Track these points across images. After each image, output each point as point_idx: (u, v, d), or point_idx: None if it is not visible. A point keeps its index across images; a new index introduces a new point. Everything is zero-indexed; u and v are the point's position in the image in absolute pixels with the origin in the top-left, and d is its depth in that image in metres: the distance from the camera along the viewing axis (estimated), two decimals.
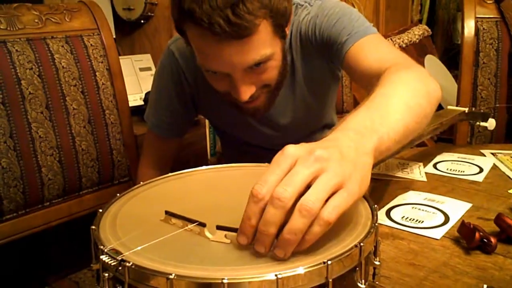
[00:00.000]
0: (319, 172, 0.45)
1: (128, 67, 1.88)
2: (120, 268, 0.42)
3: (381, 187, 0.85)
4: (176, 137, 1.12)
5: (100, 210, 0.54)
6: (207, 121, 1.82)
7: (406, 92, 0.65)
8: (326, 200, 0.44)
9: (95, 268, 0.48)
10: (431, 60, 2.57)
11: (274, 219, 0.43)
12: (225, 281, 0.38)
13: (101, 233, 0.49)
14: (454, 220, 0.71)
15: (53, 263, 1.51)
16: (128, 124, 1.21)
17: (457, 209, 0.75)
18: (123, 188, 0.92)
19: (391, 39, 2.45)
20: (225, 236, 0.47)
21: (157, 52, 2.01)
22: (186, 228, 0.50)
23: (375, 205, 0.52)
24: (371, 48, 0.85)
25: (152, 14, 2.11)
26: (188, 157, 1.72)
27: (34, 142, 1.02)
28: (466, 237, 0.63)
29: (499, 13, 1.30)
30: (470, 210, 0.75)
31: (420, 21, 2.92)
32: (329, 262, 0.41)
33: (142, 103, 1.76)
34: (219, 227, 0.47)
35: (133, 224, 0.52)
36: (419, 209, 0.75)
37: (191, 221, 0.49)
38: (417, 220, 0.71)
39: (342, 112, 1.74)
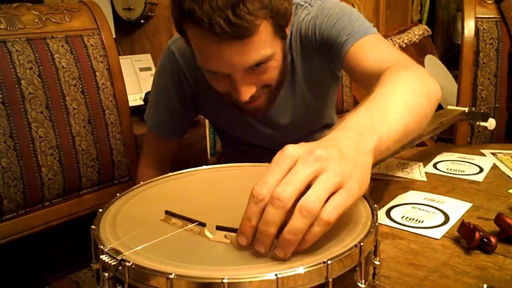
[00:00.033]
0: (319, 171, 0.45)
1: (128, 67, 1.88)
2: (120, 267, 0.42)
3: (381, 187, 0.85)
4: (176, 137, 1.12)
5: (100, 210, 0.54)
6: (207, 121, 1.82)
7: (406, 92, 0.65)
8: (326, 200, 0.44)
9: (95, 268, 0.48)
10: (431, 60, 2.57)
11: (274, 219, 0.43)
12: (225, 280, 0.38)
13: (101, 233, 0.49)
14: (454, 220, 0.71)
15: (53, 263, 1.51)
16: (128, 124, 1.21)
17: (457, 209, 0.75)
18: (123, 188, 0.92)
19: (391, 39, 2.45)
20: (225, 236, 0.47)
21: (157, 52, 2.01)
22: (186, 228, 0.50)
23: (375, 205, 0.52)
24: (371, 48, 0.85)
25: (152, 14, 2.11)
26: (188, 157, 1.72)
27: (34, 142, 1.02)
28: (466, 237, 0.63)
29: (499, 13, 1.30)
30: (470, 210, 0.75)
31: (420, 21, 2.92)
32: (329, 262, 0.40)
33: (142, 103, 1.76)
34: (218, 228, 0.47)
35: (133, 224, 0.52)
36: (419, 209, 0.75)
37: (191, 221, 0.49)
38: (417, 220, 0.71)
39: (342, 112, 1.73)
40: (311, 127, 1.14)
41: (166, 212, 0.52)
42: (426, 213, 0.73)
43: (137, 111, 1.58)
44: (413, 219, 0.71)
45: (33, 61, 1.04)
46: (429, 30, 2.76)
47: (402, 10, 2.74)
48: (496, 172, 0.91)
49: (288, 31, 0.87)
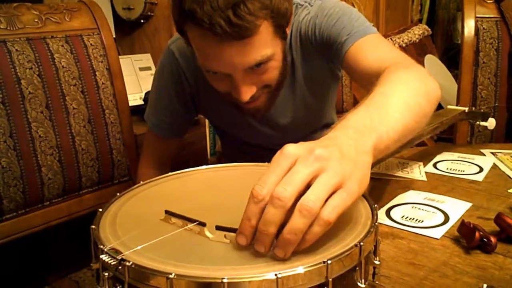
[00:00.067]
0: (319, 171, 0.45)
1: (128, 67, 1.88)
2: (120, 267, 0.42)
3: (381, 187, 0.85)
4: (176, 137, 1.12)
5: (100, 210, 0.54)
6: (207, 121, 1.82)
7: (405, 91, 0.65)
8: (326, 200, 0.44)
9: (95, 268, 0.48)
10: (431, 59, 2.57)
11: (274, 219, 0.43)
12: (225, 280, 0.38)
13: (101, 233, 0.49)
14: (454, 219, 0.71)
15: (53, 262, 1.51)
16: (128, 124, 1.21)
17: (457, 208, 0.75)
18: (123, 188, 0.92)
19: (391, 38, 2.45)
20: (225, 236, 0.47)
21: (157, 52, 2.01)
22: (186, 227, 0.50)
23: (375, 205, 0.51)
24: (371, 48, 0.85)
25: (152, 14, 2.11)
26: (188, 157, 1.72)
27: (34, 142, 1.02)
28: (466, 236, 0.63)
29: (499, 13, 1.30)
30: (470, 209, 0.75)
31: (420, 21, 2.92)
32: (329, 262, 0.40)
33: (142, 102, 1.76)
34: (218, 228, 0.47)
35: (133, 224, 0.52)
36: (419, 208, 0.75)
37: (191, 220, 0.49)
38: (417, 220, 0.71)
39: (342, 111, 1.74)
40: (311, 127, 1.14)
41: (166, 211, 0.52)
42: (426, 213, 0.73)
43: (137, 110, 1.58)
44: (413, 218, 0.71)
45: (33, 61, 1.04)
46: (429, 29, 2.76)
47: (402, 9, 2.74)
48: (496, 172, 0.91)
49: (288, 31, 0.87)
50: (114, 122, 1.17)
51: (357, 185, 0.46)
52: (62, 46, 1.10)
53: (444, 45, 3.16)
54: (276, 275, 0.39)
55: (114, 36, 1.30)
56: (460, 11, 2.05)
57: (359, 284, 0.44)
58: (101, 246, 0.45)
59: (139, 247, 0.45)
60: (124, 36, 2.23)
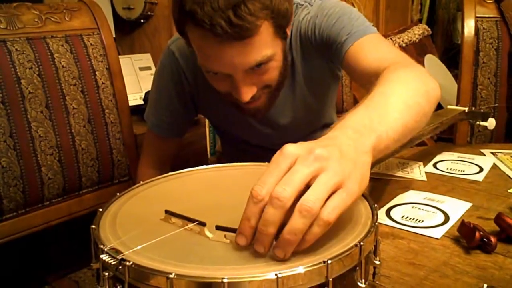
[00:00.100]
0: (319, 171, 0.45)
1: (128, 67, 1.88)
2: (120, 267, 0.42)
3: (381, 187, 0.85)
4: (176, 136, 1.12)
5: (100, 210, 0.54)
6: (207, 121, 1.82)
7: (405, 91, 0.65)
8: (326, 200, 0.44)
9: (95, 267, 0.48)
10: (431, 59, 2.57)
11: (274, 219, 0.43)
12: (225, 280, 0.38)
13: (101, 232, 0.49)
14: (454, 219, 0.71)
15: (53, 262, 1.51)
16: (128, 124, 1.21)
17: (457, 208, 0.75)
18: (123, 188, 0.92)
19: (391, 38, 2.45)
20: (225, 236, 0.47)
21: (157, 52, 2.01)
22: (186, 227, 0.50)
23: (375, 205, 0.51)
24: (371, 48, 0.85)
25: (152, 14, 2.11)
26: (188, 157, 1.72)
27: (34, 142, 1.02)
28: (466, 236, 0.63)
29: (499, 13, 1.30)
30: (470, 209, 0.75)
31: (420, 21, 2.92)
32: (329, 262, 0.40)
33: (142, 102, 1.76)
34: (218, 228, 0.47)
35: (133, 223, 0.52)
36: (419, 208, 0.75)
37: (191, 220, 0.49)
38: (417, 220, 0.71)
39: (342, 111, 1.73)
40: (311, 127, 1.14)
41: (166, 211, 0.52)
42: (426, 213, 0.73)
43: (137, 110, 1.58)
44: (413, 218, 0.71)
45: (33, 61, 1.04)
46: (429, 29, 2.76)
47: (402, 9, 2.74)
48: (496, 172, 0.91)
49: (288, 31, 0.87)
50: (114, 122, 1.17)
51: (356, 185, 0.46)
52: (62, 45, 1.10)
53: (444, 45, 3.16)
54: (276, 275, 0.39)
55: (114, 36, 1.30)
56: (460, 11, 2.05)
57: (359, 284, 0.44)
58: (101, 246, 0.45)
59: (139, 247, 0.45)
60: (124, 36, 2.23)
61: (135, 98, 1.79)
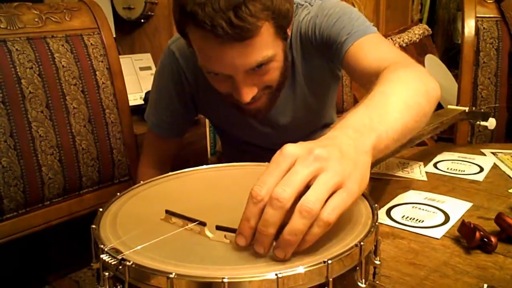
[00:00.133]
0: (319, 171, 0.45)
1: (128, 66, 1.88)
2: (120, 267, 0.42)
3: (382, 187, 0.85)
4: (176, 136, 1.12)
5: (101, 209, 0.54)
6: (207, 120, 1.82)
7: (405, 91, 0.65)
8: (326, 200, 0.44)
9: (95, 267, 0.48)
10: (431, 59, 2.56)
11: (273, 220, 0.43)
12: (225, 280, 0.38)
13: (102, 232, 0.49)
14: (454, 219, 0.71)
15: (53, 262, 1.51)
16: (128, 123, 1.21)
17: (458, 208, 0.75)
18: (123, 187, 0.92)
19: (391, 38, 2.45)
20: (225, 236, 0.47)
21: (157, 52, 2.01)
22: (186, 227, 0.50)
23: (376, 204, 0.51)
24: (371, 47, 0.85)
25: (152, 14, 2.11)
26: (188, 156, 1.72)
27: (34, 141, 1.02)
28: (467, 236, 0.63)
29: (500, 13, 1.30)
30: (470, 209, 0.75)
31: (420, 21, 2.92)
32: (329, 262, 0.40)
33: (142, 102, 1.76)
34: (218, 228, 0.47)
35: (134, 223, 0.52)
36: (420, 208, 0.75)
37: (191, 220, 0.49)
38: (417, 220, 0.71)
39: (342, 111, 1.73)
40: (311, 127, 1.14)
41: (166, 211, 0.52)
42: (426, 213, 0.73)
43: (137, 110, 1.58)
44: (414, 218, 0.71)
45: (33, 61, 1.04)
46: (429, 29, 2.76)
47: (402, 9, 2.74)
48: (497, 172, 0.91)
49: (289, 32, 0.87)
50: (114, 121, 1.17)
51: (357, 185, 0.46)
52: (63, 45, 1.10)
53: (444, 45, 3.15)
54: (276, 275, 0.39)
55: (114, 36, 1.29)
56: (460, 11, 2.05)
57: (359, 284, 0.44)
58: (102, 246, 0.45)
59: (139, 247, 0.45)
60: (125, 36, 2.23)
61: (135, 98, 1.79)
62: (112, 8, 2.12)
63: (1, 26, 1.01)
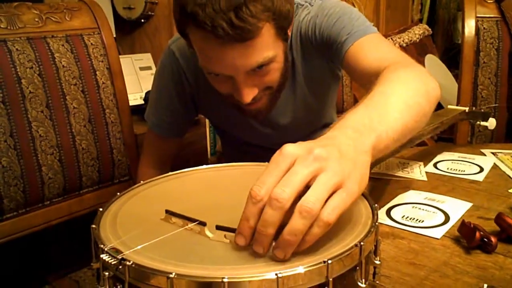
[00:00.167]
0: (318, 171, 0.45)
1: (128, 66, 1.88)
2: (120, 267, 0.42)
3: (382, 187, 0.85)
4: (176, 136, 1.12)
5: (101, 209, 0.54)
6: (207, 121, 1.82)
7: (405, 91, 0.64)
8: (326, 200, 0.44)
9: (95, 267, 0.48)
10: (432, 59, 2.56)
11: (273, 220, 0.43)
12: (225, 280, 0.38)
13: (102, 232, 0.49)
14: (454, 219, 0.71)
15: (53, 262, 1.51)
16: (128, 123, 1.21)
17: (458, 208, 0.75)
18: (123, 187, 0.92)
19: (391, 38, 2.45)
20: (225, 236, 0.47)
21: (158, 51, 2.01)
22: (186, 227, 0.50)
23: (376, 204, 0.51)
24: (371, 47, 0.85)
25: (153, 13, 2.11)
26: (188, 156, 1.72)
27: (34, 141, 1.02)
28: (467, 236, 0.63)
29: (500, 13, 1.30)
30: (470, 209, 0.75)
31: (420, 21, 2.92)
32: (329, 262, 0.40)
33: (142, 102, 1.76)
34: (218, 227, 0.47)
35: (134, 223, 0.52)
36: (420, 208, 0.75)
37: (191, 220, 0.49)
38: (417, 220, 0.71)
39: (342, 111, 1.73)
40: (311, 127, 1.14)
41: (166, 211, 0.52)
42: (426, 213, 0.73)
43: (137, 110, 1.58)
44: (414, 218, 0.71)
45: (33, 60, 1.04)
46: (430, 29, 2.76)
47: (403, 9, 2.74)
48: (497, 172, 0.91)
49: (290, 32, 0.87)
50: (114, 121, 1.17)
51: (356, 185, 0.46)
52: (63, 45, 1.10)
53: (444, 45, 3.16)
54: (276, 274, 0.39)
55: (114, 36, 1.30)
56: (460, 11, 2.05)
57: (359, 284, 0.44)
58: (102, 246, 0.45)
59: (139, 247, 0.45)
60: (125, 36, 2.23)
61: (135, 98, 1.79)
62: (112, 8, 2.12)
63: (1, 26, 1.01)
